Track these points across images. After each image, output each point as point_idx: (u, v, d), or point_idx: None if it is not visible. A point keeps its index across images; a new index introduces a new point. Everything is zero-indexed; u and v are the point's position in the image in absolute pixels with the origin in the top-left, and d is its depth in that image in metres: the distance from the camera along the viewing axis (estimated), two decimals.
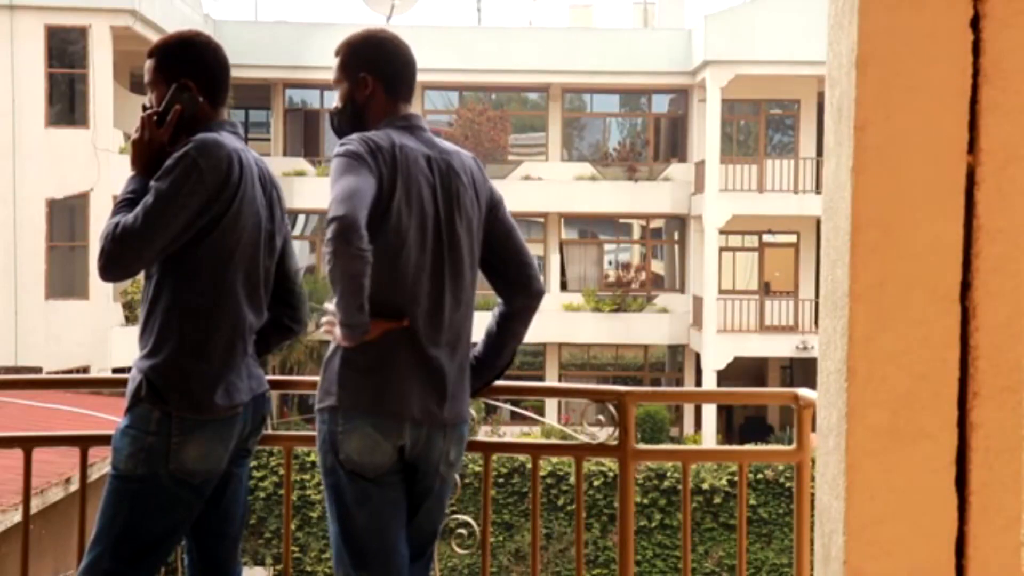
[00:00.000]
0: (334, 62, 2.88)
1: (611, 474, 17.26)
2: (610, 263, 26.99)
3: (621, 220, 26.75)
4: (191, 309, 2.73)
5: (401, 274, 2.71)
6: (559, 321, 23.37)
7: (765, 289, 24.81)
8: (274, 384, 3.07)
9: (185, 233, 2.69)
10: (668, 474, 17.97)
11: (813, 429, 2.58)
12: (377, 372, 2.71)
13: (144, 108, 2.87)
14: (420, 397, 2.74)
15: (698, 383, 23.91)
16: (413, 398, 2.73)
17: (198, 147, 2.70)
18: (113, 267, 2.70)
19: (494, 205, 2.92)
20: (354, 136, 2.72)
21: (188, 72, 2.83)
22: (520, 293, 2.95)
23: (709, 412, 22.54)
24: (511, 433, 20.94)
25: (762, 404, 23.16)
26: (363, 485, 2.75)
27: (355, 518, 2.77)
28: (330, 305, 2.64)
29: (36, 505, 3.32)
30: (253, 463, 17.71)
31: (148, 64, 2.88)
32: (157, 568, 2.84)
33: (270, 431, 3.18)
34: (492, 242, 2.91)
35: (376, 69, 2.83)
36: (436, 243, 2.76)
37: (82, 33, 20.36)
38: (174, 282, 2.73)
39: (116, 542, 2.72)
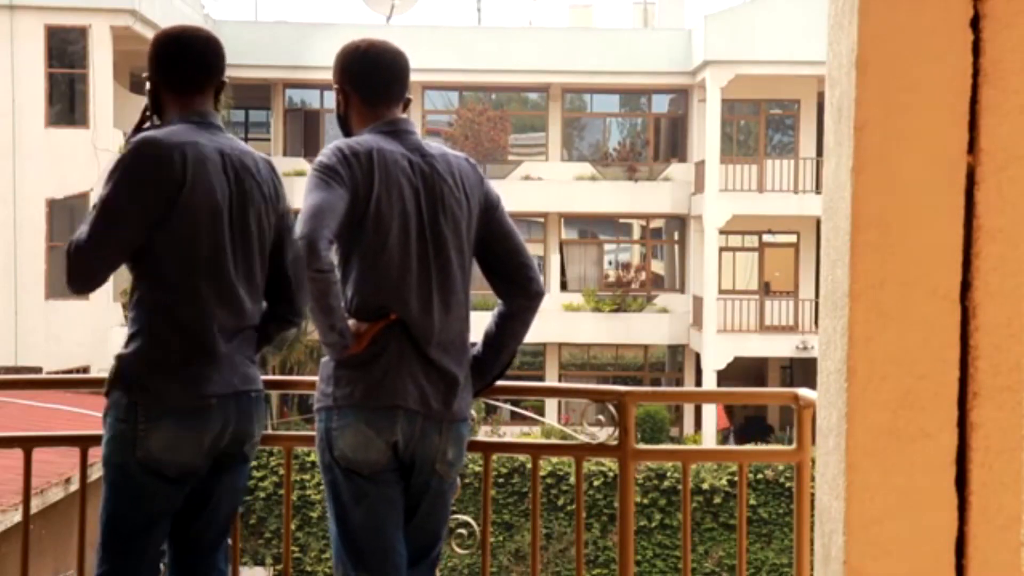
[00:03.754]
0: None
1: (611, 474, 17.26)
2: (610, 263, 26.99)
3: (621, 220, 26.75)
4: (155, 305, 2.76)
5: (385, 275, 2.74)
6: (559, 321, 23.37)
7: (765, 289, 24.80)
8: (274, 384, 3.08)
9: (137, 235, 2.71)
10: (668, 474, 17.97)
11: (813, 429, 2.58)
12: (369, 367, 2.73)
13: (144, 109, 2.91)
14: (416, 388, 2.75)
15: (698, 383, 23.89)
16: (407, 390, 2.74)
17: (132, 147, 2.74)
18: (75, 281, 2.78)
19: (490, 206, 2.92)
20: (331, 144, 2.78)
21: (152, 68, 2.88)
22: (519, 294, 2.95)
23: (709, 412, 22.53)
24: (511, 433, 20.94)
25: (762, 404, 23.15)
26: (359, 482, 2.76)
27: (352, 516, 2.78)
28: None
29: (36, 505, 3.31)
30: (253, 463, 17.74)
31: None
32: (142, 566, 2.81)
33: (270, 431, 3.18)
34: (489, 243, 2.92)
35: (350, 80, 2.89)
36: (420, 244, 2.77)
37: (82, 33, 20.36)
38: (142, 279, 2.78)
39: (104, 533, 2.78)
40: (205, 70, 2.88)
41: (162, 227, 2.70)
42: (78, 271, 2.74)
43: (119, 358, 2.77)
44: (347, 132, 2.92)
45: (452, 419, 2.82)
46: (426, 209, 2.78)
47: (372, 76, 2.89)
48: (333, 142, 2.80)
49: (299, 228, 2.59)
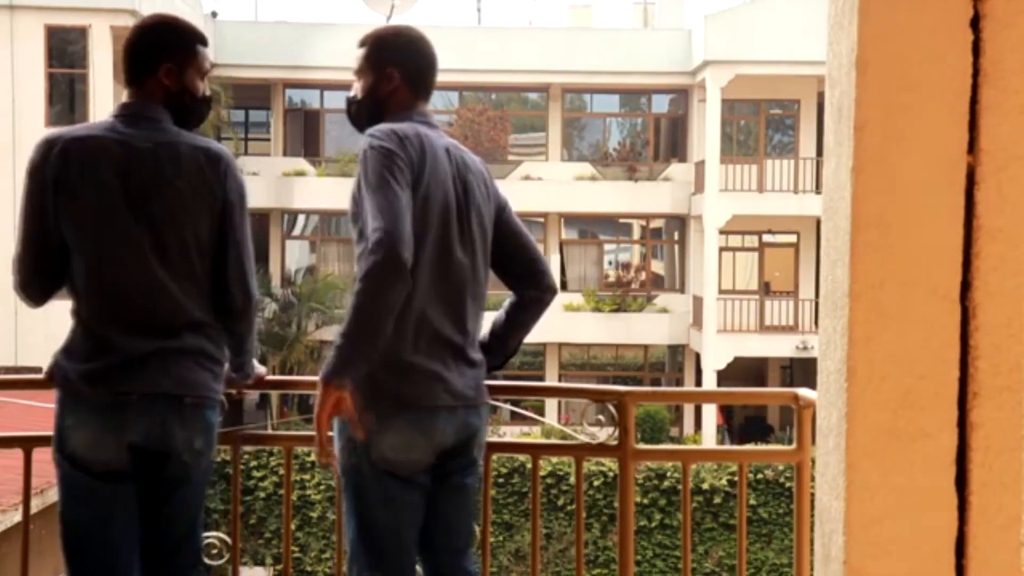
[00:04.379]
0: (358, 52, 2.86)
1: (611, 474, 17.26)
2: (610, 263, 26.99)
3: (621, 220, 26.75)
4: (73, 301, 2.77)
5: (429, 264, 2.68)
6: (559, 321, 23.35)
7: (765, 289, 24.80)
8: (274, 384, 3.06)
9: (45, 231, 2.71)
10: (668, 474, 17.97)
11: (813, 429, 2.58)
12: (405, 369, 2.66)
13: None
14: (454, 382, 2.72)
15: (698, 383, 23.89)
16: (447, 387, 2.71)
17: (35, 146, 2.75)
18: (21, 296, 2.79)
19: (501, 208, 2.93)
20: (383, 128, 2.67)
21: None
22: (532, 287, 2.96)
23: (709, 412, 22.53)
24: (511, 433, 20.93)
25: (762, 404, 23.15)
26: (389, 484, 2.70)
27: (377, 517, 2.74)
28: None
29: (36, 505, 3.30)
30: (253, 463, 17.62)
31: None
32: (105, 570, 2.78)
33: (270, 431, 3.17)
34: (501, 242, 2.91)
35: (403, 65, 2.82)
36: (459, 235, 2.75)
37: (82, 33, 20.36)
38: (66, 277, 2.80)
39: (60, 536, 2.78)
40: (129, 64, 2.83)
41: (62, 222, 2.71)
42: (16, 282, 2.76)
43: (54, 355, 2.78)
44: (378, 118, 2.80)
45: (483, 402, 2.84)
46: (462, 200, 2.76)
47: (425, 66, 2.85)
48: (382, 125, 2.70)
49: (381, 221, 2.50)
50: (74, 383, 2.71)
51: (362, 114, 2.85)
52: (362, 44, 2.88)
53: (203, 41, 2.92)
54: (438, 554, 2.89)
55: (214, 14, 26.94)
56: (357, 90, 2.87)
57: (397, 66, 2.82)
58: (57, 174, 2.69)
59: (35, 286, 2.78)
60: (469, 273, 2.78)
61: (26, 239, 2.74)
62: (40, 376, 2.87)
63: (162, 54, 2.81)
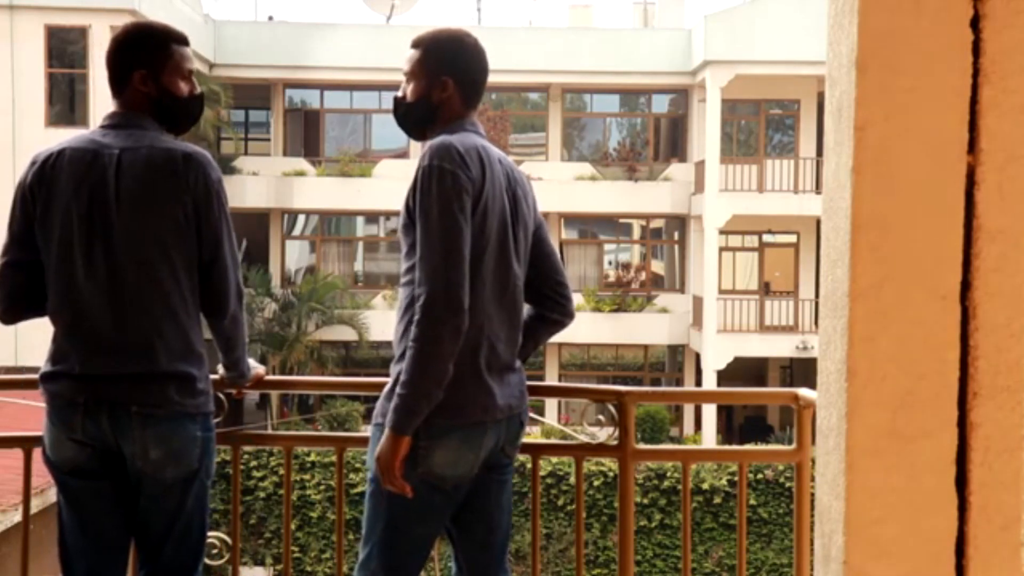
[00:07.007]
0: (411, 52, 2.81)
1: (611, 474, 17.27)
2: (610, 263, 26.99)
3: (621, 220, 26.76)
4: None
5: (486, 280, 2.66)
6: None
7: (765, 289, 24.81)
8: (274, 384, 3.05)
9: (22, 242, 2.75)
10: (668, 474, 17.98)
11: (813, 429, 2.58)
12: (456, 386, 2.60)
13: None
14: (500, 397, 2.70)
15: (698, 383, 23.90)
16: (493, 403, 2.68)
17: None
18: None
19: (538, 225, 2.90)
20: (444, 145, 2.61)
21: None
22: (557, 311, 2.94)
23: (709, 412, 22.54)
24: None
25: (762, 404, 23.15)
26: (432, 497, 2.67)
27: (410, 528, 2.71)
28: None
29: (36, 505, 3.32)
30: (253, 463, 17.69)
31: None
32: (87, 564, 2.80)
33: (270, 431, 3.18)
34: (534, 261, 2.87)
35: (460, 74, 2.78)
36: (514, 248, 2.73)
37: (82, 33, 20.38)
38: None
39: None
40: (109, 76, 2.81)
41: (37, 235, 2.74)
42: None
43: None
44: (428, 124, 2.78)
45: (526, 407, 2.84)
46: (509, 212, 2.72)
47: (479, 76, 2.82)
48: (440, 140, 2.63)
49: (438, 270, 2.50)
50: (39, 382, 2.77)
51: (410, 117, 2.82)
52: (416, 45, 2.82)
53: (180, 40, 2.84)
54: (478, 551, 2.88)
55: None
56: (407, 92, 2.80)
57: (452, 74, 2.77)
58: (32, 188, 2.72)
59: (13, 303, 2.80)
60: (521, 284, 2.77)
61: (5, 248, 2.77)
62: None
63: (132, 63, 2.77)
